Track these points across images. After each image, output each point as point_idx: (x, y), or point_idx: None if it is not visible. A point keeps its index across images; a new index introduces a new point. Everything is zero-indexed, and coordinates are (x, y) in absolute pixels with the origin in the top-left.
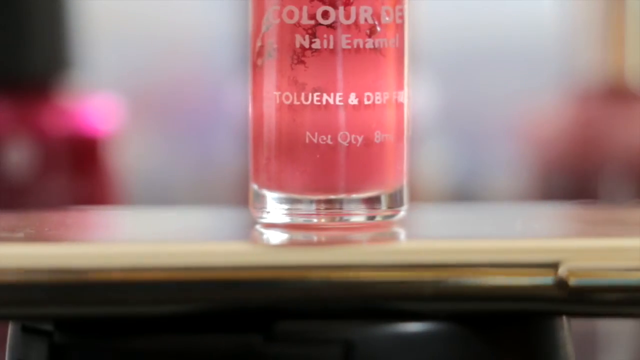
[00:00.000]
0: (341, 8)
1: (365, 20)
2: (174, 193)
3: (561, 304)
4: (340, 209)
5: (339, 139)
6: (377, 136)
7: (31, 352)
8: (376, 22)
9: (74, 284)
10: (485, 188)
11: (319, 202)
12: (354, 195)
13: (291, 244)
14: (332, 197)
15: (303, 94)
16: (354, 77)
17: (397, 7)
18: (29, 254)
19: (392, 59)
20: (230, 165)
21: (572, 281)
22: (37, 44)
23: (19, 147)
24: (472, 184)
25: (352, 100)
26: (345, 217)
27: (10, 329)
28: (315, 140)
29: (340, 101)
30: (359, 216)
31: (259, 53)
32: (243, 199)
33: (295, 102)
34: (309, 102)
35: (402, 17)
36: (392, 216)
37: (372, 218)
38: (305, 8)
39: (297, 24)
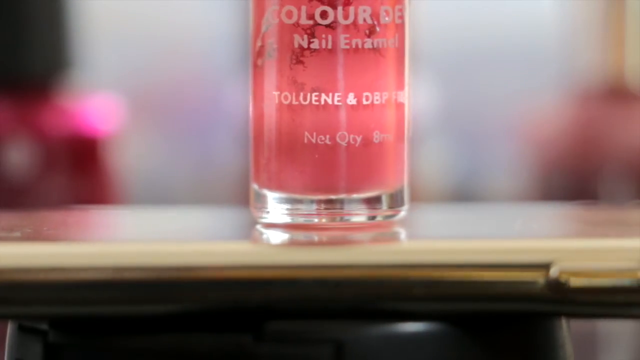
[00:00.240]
0: (340, 8)
1: (364, 20)
2: (174, 193)
3: (553, 304)
4: (341, 209)
5: (338, 139)
6: (376, 136)
7: (27, 351)
8: (375, 22)
9: (69, 283)
10: (485, 188)
11: (319, 202)
12: (355, 195)
13: (290, 243)
14: (333, 197)
15: (302, 94)
16: (353, 77)
17: (397, 7)
18: (24, 253)
19: (392, 59)
20: (230, 165)
21: (564, 281)
22: (37, 44)
23: (19, 147)
24: (472, 184)
25: (351, 100)
26: (346, 217)
27: (9, 328)
28: (313, 140)
29: (338, 101)
30: (359, 216)
31: (259, 53)
32: (243, 199)
33: (294, 102)
34: (307, 102)
35: (401, 17)
36: (392, 216)
37: (372, 218)
38: (303, 8)
39: (296, 24)
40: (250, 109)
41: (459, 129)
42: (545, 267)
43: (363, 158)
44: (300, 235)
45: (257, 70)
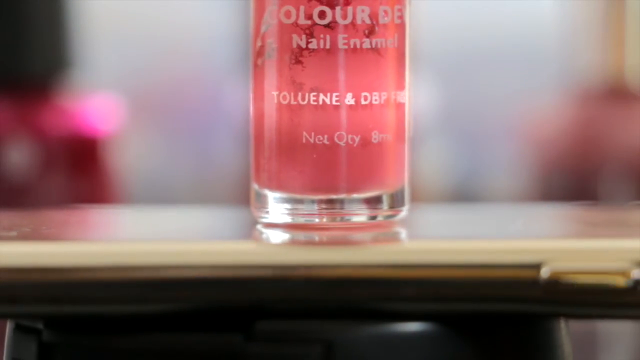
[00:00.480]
0: (338, 8)
1: (363, 20)
2: (174, 193)
3: (544, 304)
4: (341, 209)
5: (336, 139)
6: (375, 136)
7: (23, 350)
8: (374, 22)
9: (63, 282)
10: (485, 188)
11: (319, 202)
12: (355, 195)
13: (289, 243)
14: (333, 197)
15: (300, 94)
16: (351, 77)
17: (396, 7)
18: (19, 252)
19: (391, 59)
20: (230, 165)
21: (555, 282)
22: (37, 44)
23: (19, 147)
24: (472, 184)
25: (349, 100)
26: (346, 217)
27: (7, 328)
28: (312, 140)
29: (337, 101)
30: (359, 216)
31: (258, 53)
32: (243, 199)
33: (293, 102)
34: (305, 102)
35: (401, 17)
36: (393, 216)
37: (373, 218)
38: (302, 8)
39: (295, 24)
40: (251, 108)
41: (459, 129)
42: (536, 267)
43: (362, 158)
44: (300, 235)
45: (257, 70)
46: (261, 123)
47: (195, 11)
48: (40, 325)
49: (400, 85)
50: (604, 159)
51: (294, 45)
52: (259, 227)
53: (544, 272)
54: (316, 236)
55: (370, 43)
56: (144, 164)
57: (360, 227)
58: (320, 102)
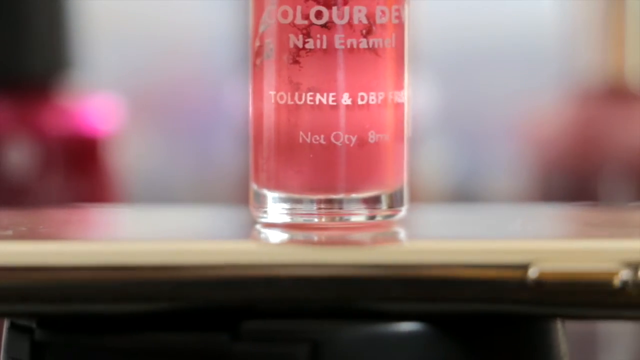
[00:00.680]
0: (334, 8)
1: (360, 20)
2: (174, 193)
3: (531, 305)
4: (340, 208)
5: (332, 139)
6: (372, 136)
7: (18, 349)
8: (371, 22)
9: (55, 282)
10: (485, 188)
11: (318, 201)
12: (354, 195)
13: (285, 242)
14: (331, 197)
15: (297, 94)
16: (348, 77)
17: (394, 7)
18: (12, 251)
19: (389, 59)
20: (230, 165)
21: (542, 282)
22: (37, 44)
23: (19, 147)
24: (472, 184)
25: (346, 100)
26: (345, 217)
27: (4, 326)
28: (308, 140)
29: (333, 101)
30: (357, 216)
31: (257, 53)
32: (243, 199)
33: (290, 102)
34: (302, 102)
35: (399, 17)
36: (392, 216)
37: (372, 218)
38: (299, 8)
39: (292, 24)
40: (250, 108)
41: (459, 129)
42: (524, 267)
43: (359, 158)
44: (298, 235)
45: (256, 70)
46: (260, 123)
47: (195, 11)
48: (33, 324)
49: (399, 85)
50: (604, 159)
51: (291, 45)
52: (257, 226)
53: (532, 273)
54: (308, 235)
55: (368, 43)
56: (144, 164)
57: (358, 227)
58: (317, 102)
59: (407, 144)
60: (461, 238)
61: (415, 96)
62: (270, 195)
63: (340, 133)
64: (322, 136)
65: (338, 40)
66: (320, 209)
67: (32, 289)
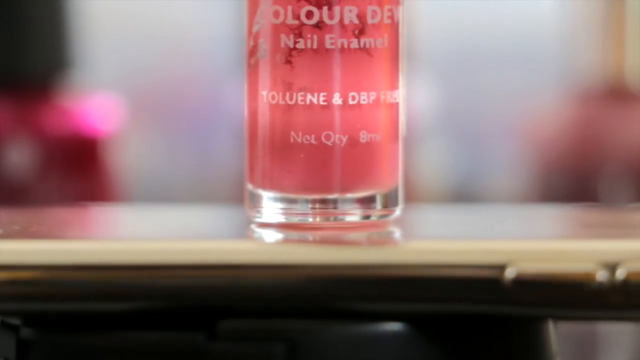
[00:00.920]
0: (325, 8)
1: (351, 20)
2: (173, 193)
3: (508, 306)
4: (334, 208)
5: (323, 139)
6: (363, 136)
7: (5, 347)
8: (362, 22)
9: (41, 280)
10: (485, 188)
11: (313, 201)
12: (348, 195)
13: (278, 242)
14: (326, 196)
15: (289, 94)
16: (339, 77)
17: (386, 7)
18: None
19: (381, 58)
20: (229, 165)
21: (520, 283)
22: (37, 44)
23: (19, 147)
24: (472, 184)
25: (337, 100)
26: (340, 217)
27: None
28: (299, 140)
29: (324, 101)
30: (351, 216)
31: (251, 52)
32: (243, 199)
33: (281, 102)
34: (294, 102)
35: (391, 17)
36: (386, 216)
37: (366, 217)
38: (290, 8)
39: (283, 24)
40: (245, 108)
41: (459, 129)
42: (501, 268)
43: (351, 158)
44: (293, 235)
45: (250, 70)
46: (254, 123)
47: (195, 11)
48: (18, 322)
49: (392, 85)
50: (604, 159)
51: (282, 45)
52: (251, 226)
53: (509, 273)
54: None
55: (359, 43)
56: (144, 164)
57: (352, 226)
58: (308, 102)
59: (402, 143)
60: (443, 238)
61: (415, 96)
62: (265, 195)
63: (331, 133)
64: (313, 136)
65: (329, 40)
66: (314, 208)
67: (17, 287)
